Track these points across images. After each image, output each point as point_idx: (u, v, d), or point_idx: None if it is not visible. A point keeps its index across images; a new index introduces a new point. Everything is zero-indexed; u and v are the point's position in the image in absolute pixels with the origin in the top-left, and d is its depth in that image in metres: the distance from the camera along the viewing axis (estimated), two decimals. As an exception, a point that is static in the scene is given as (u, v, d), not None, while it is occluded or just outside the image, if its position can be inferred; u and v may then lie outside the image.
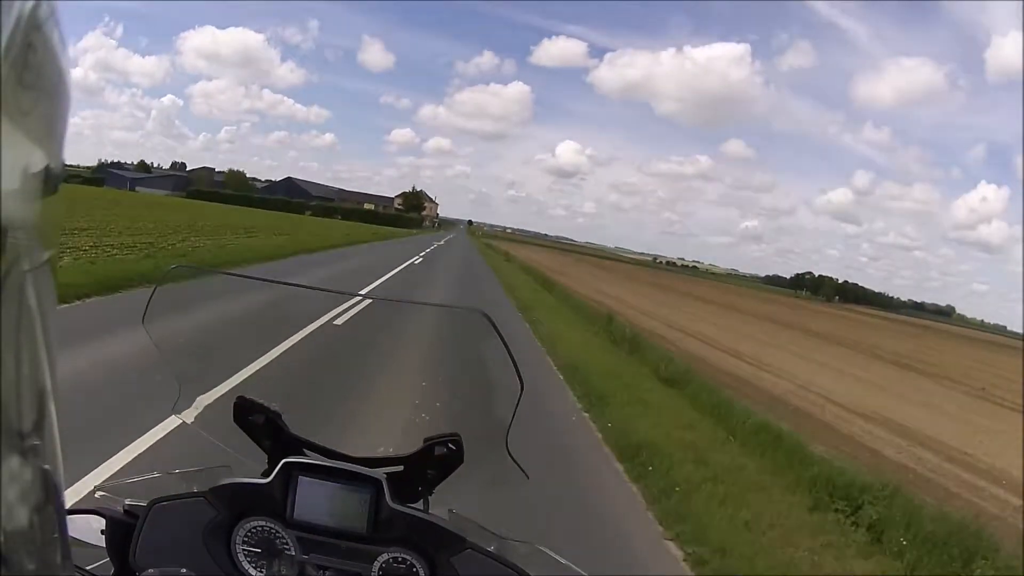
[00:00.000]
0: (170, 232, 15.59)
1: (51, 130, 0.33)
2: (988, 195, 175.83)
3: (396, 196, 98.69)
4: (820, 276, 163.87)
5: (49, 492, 0.33)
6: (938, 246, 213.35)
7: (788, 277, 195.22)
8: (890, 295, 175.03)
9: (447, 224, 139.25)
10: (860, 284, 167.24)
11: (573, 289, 20.02)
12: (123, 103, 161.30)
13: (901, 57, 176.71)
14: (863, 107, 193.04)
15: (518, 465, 0.82)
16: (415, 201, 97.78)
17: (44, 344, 0.32)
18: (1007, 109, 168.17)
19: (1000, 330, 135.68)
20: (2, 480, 0.27)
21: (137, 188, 71.68)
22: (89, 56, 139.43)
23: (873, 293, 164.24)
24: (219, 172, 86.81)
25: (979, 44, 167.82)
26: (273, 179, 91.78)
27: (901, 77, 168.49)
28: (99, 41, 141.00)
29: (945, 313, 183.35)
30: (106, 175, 74.76)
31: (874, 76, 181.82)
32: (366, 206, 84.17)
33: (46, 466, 0.33)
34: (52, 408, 0.33)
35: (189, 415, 0.92)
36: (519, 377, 0.79)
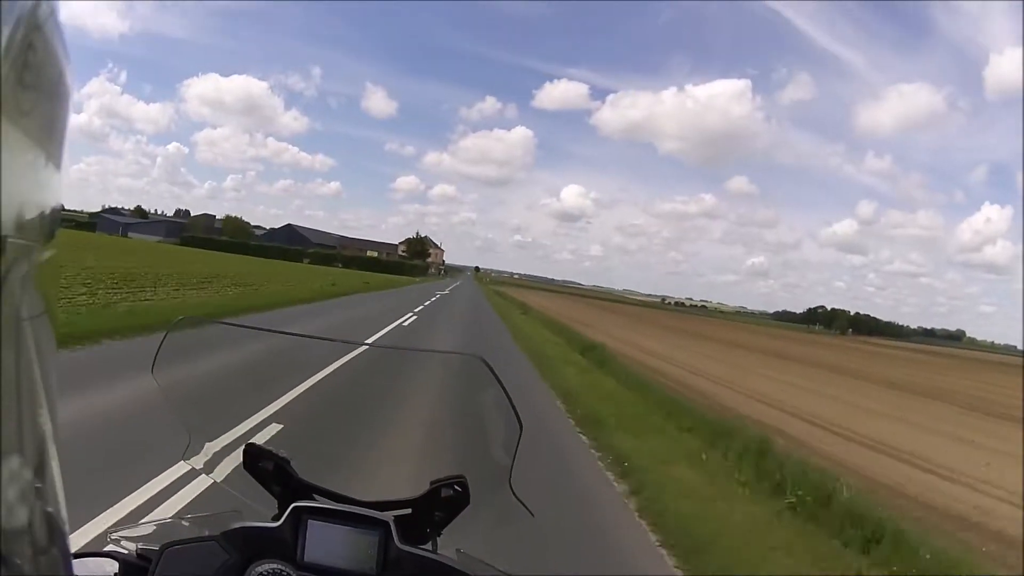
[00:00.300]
0: (105, 278, 13.30)
1: (51, 130, 0.32)
2: (992, 215, 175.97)
3: (400, 243, 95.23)
4: (833, 309, 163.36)
5: (54, 535, 0.34)
6: (944, 271, 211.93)
7: (798, 312, 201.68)
8: (900, 324, 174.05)
9: (453, 271, 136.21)
10: (872, 315, 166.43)
11: (613, 348, 15.23)
12: (128, 150, 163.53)
13: (899, 83, 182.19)
14: (864, 136, 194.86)
15: (523, 504, 0.83)
16: (419, 247, 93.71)
17: (44, 389, 0.33)
18: (1006, 126, 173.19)
19: (1011, 350, 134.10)
20: (4, 525, 0.27)
21: (130, 234, 69.41)
22: (93, 101, 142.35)
23: (884, 323, 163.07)
24: (219, 219, 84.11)
25: (977, 63, 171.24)
26: (273, 226, 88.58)
27: (900, 103, 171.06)
28: (103, 87, 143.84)
29: (955, 338, 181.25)
30: (99, 220, 72.64)
31: (873, 104, 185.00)
32: (369, 253, 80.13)
33: (49, 509, 0.33)
34: (54, 452, 0.34)
35: (199, 461, 0.93)
36: (517, 419, 0.82)
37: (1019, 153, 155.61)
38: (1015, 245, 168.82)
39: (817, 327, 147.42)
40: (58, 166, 0.34)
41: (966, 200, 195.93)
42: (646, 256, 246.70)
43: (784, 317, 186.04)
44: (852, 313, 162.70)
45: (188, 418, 0.94)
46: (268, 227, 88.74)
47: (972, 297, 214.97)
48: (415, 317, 16.20)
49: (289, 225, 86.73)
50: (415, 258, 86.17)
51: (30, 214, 0.30)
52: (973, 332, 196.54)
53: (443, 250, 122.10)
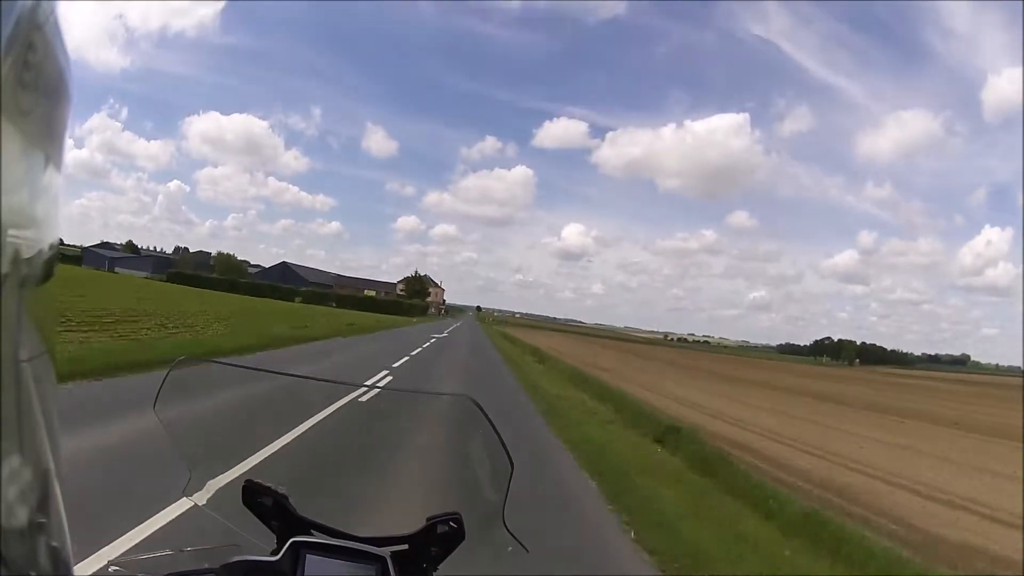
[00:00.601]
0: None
1: (51, 130, 0.32)
2: (992, 238, 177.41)
3: (399, 282, 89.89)
4: (840, 340, 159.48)
5: (59, 569, 0.34)
6: (947, 296, 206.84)
7: (803, 344, 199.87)
8: (904, 351, 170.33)
9: (455, 310, 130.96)
10: (879, 344, 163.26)
11: (640, 398, 12.16)
12: (129, 186, 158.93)
13: (897, 110, 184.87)
14: (863, 165, 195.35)
15: (516, 539, 0.85)
16: (418, 286, 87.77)
17: (47, 426, 0.33)
18: (1005, 147, 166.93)
19: (1015, 371, 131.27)
20: (9, 561, 0.27)
21: (116, 268, 66.75)
22: (95, 137, 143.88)
23: (889, 352, 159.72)
24: (214, 256, 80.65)
25: (973, 85, 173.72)
26: (264, 264, 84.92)
27: (899, 130, 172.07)
28: (104, 123, 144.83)
29: (960, 362, 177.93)
30: (87, 254, 69.64)
31: (872, 133, 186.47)
32: (366, 292, 75.69)
33: (54, 543, 0.33)
34: (57, 487, 0.34)
35: (200, 497, 0.95)
36: (508, 458, 0.85)
37: (1018, 173, 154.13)
38: (1016, 267, 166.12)
39: (824, 359, 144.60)
40: (58, 166, 0.33)
41: (967, 224, 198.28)
42: (647, 293, 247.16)
43: (788, 350, 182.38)
44: (858, 343, 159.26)
45: (189, 454, 0.97)
46: (265, 264, 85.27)
47: (975, 321, 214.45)
48: (390, 377, 11.44)
49: (284, 263, 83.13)
50: (414, 297, 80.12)
51: (30, 214, 0.29)
52: (976, 355, 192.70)
53: (443, 289, 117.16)
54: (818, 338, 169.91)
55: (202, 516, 0.95)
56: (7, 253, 0.27)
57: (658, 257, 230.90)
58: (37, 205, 0.31)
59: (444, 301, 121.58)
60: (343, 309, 51.62)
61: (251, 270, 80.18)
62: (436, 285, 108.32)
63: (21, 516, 0.30)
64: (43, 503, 0.32)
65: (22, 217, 0.29)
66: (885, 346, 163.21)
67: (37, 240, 0.31)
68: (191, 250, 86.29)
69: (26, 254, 0.29)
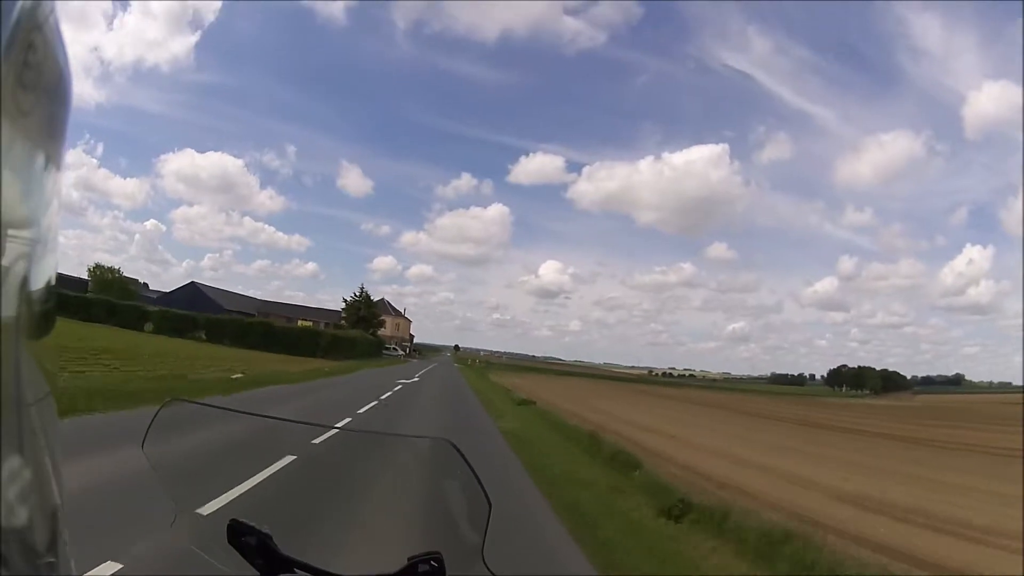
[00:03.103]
0: None
1: (51, 130, 0.32)
2: (974, 256, 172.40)
3: (344, 309, 61.60)
4: (860, 368, 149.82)
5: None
6: (928, 317, 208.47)
7: (790, 374, 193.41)
8: (904, 375, 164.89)
9: (429, 350, 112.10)
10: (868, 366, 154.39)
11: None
12: (106, 225, 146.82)
13: (876, 133, 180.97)
14: (843, 191, 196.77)
15: None
16: (366, 312, 59.13)
17: (52, 465, 0.33)
18: (985, 164, 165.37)
19: (1006, 387, 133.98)
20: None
21: None
22: (71, 174, 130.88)
23: (887, 377, 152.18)
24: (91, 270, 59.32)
25: (950, 105, 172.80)
26: (166, 289, 64.91)
27: (876, 154, 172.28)
28: (80, 158, 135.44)
29: (955, 382, 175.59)
30: None
31: (850, 158, 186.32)
32: (301, 322, 55.95)
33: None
34: (63, 527, 0.34)
35: (186, 536, 0.98)
36: (487, 498, 0.87)
37: (999, 191, 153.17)
38: (997, 284, 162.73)
39: (842, 388, 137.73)
40: (58, 166, 0.33)
41: (948, 244, 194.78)
42: (625, 328, 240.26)
43: (782, 380, 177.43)
44: (878, 369, 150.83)
45: (176, 492, 1.00)
46: (166, 289, 65.12)
47: (955, 340, 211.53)
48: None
49: (193, 283, 63.87)
50: (357, 326, 55.62)
51: (30, 214, 0.29)
52: (971, 375, 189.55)
53: (409, 320, 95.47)
54: (834, 367, 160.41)
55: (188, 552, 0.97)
56: (7, 253, 0.27)
57: (636, 292, 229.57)
58: (37, 205, 0.30)
59: (412, 337, 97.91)
60: (238, 349, 32.77)
61: (149, 293, 60.60)
62: (397, 314, 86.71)
63: (21, 516, 0.29)
64: (51, 543, 0.32)
65: (22, 217, 0.28)
66: (875, 367, 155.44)
67: (37, 240, 0.31)
68: (166, 291, 64.59)
69: (26, 254, 0.29)
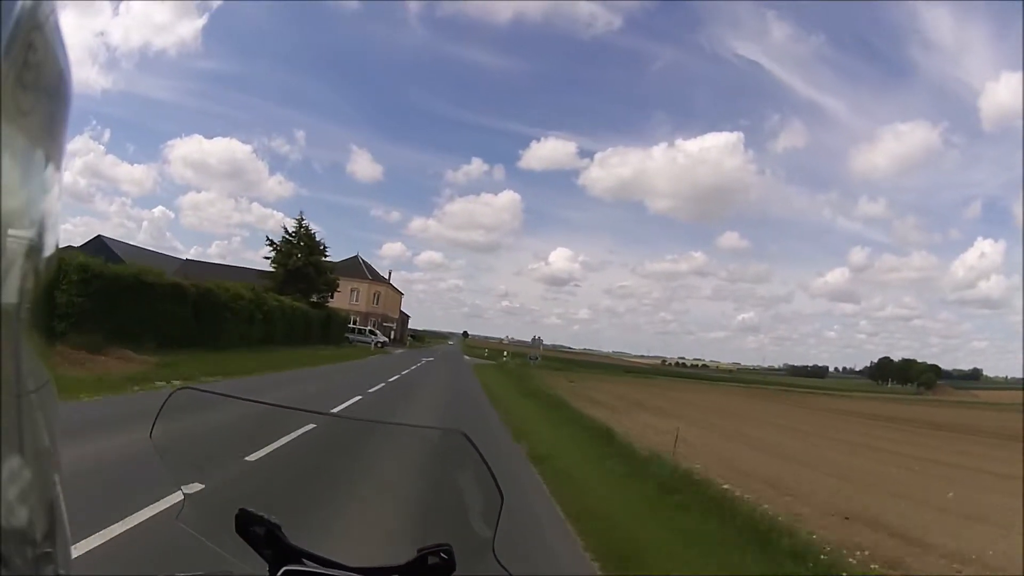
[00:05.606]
0: None
1: (51, 130, 0.32)
2: (986, 250, 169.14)
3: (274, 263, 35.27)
4: (906, 360, 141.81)
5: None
6: (938, 311, 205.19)
7: (802, 365, 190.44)
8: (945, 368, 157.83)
9: (435, 337, 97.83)
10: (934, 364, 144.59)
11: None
12: (114, 212, 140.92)
13: (886, 126, 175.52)
14: (856, 182, 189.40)
15: (507, 571, 0.86)
16: (306, 261, 34.03)
17: (52, 456, 0.33)
18: (1001, 156, 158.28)
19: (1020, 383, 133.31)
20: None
21: None
22: (78, 160, 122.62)
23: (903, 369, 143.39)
24: None
25: (963, 97, 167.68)
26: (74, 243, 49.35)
27: (889, 146, 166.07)
28: (87, 145, 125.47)
29: (973, 377, 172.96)
30: None
31: (864, 149, 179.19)
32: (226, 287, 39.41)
33: (61, 572, 0.35)
34: (64, 518, 0.35)
35: (193, 524, 0.98)
36: (499, 490, 0.86)
37: (1013, 184, 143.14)
38: (1008, 278, 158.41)
39: (887, 383, 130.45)
40: (58, 166, 0.33)
41: (960, 237, 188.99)
42: (635, 317, 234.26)
43: (800, 371, 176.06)
44: (921, 362, 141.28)
45: (183, 480, 1.01)
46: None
47: (964, 334, 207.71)
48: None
49: (99, 237, 48.13)
50: (293, 288, 32.36)
51: (30, 214, 0.29)
52: (989, 370, 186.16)
53: (400, 293, 69.82)
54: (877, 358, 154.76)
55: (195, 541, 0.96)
56: (7, 253, 0.27)
57: (646, 280, 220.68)
58: (37, 205, 0.30)
59: (405, 317, 72.07)
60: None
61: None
62: (379, 279, 59.11)
63: (21, 516, 0.29)
64: (50, 533, 0.32)
65: (22, 217, 0.28)
66: (916, 360, 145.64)
67: (37, 240, 0.31)
68: None
69: (26, 254, 0.29)
